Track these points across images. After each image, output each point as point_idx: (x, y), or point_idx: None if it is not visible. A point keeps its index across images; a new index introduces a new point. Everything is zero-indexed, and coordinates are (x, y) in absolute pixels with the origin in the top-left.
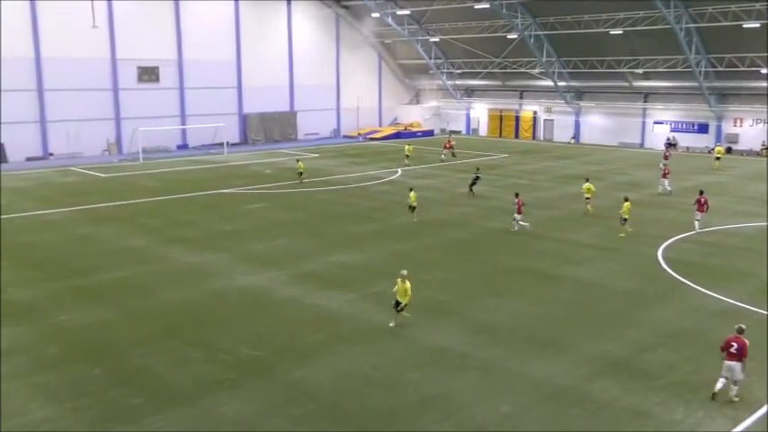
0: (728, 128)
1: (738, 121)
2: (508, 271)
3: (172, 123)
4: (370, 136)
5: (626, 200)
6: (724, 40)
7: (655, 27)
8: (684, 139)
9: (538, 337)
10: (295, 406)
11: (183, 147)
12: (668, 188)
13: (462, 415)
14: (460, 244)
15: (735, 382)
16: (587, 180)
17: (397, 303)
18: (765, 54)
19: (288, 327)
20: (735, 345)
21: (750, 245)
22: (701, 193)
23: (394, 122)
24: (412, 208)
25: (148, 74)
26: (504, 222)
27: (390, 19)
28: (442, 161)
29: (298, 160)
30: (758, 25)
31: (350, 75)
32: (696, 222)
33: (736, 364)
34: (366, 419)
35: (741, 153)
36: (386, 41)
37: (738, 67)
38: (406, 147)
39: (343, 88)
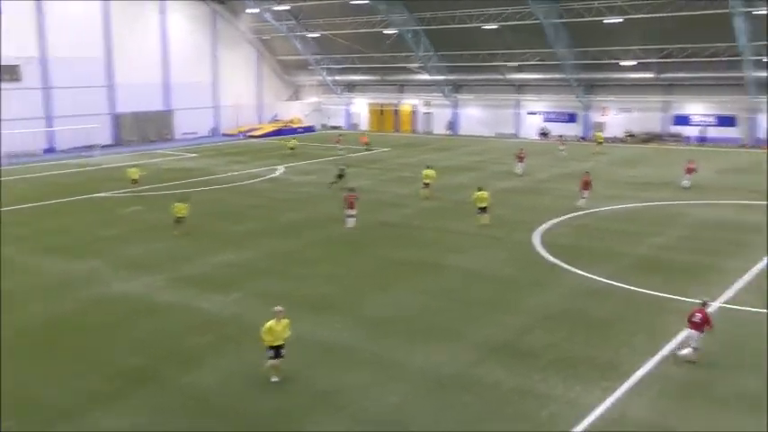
0: (595, 117)
1: (604, 111)
2: (393, 263)
3: (36, 125)
4: (251, 134)
5: (479, 189)
6: (589, 34)
7: (525, 22)
8: (556, 129)
9: (425, 326)
10: (187, 411)
11: (51, 150)
12: (518, 172)
13: (353, 409)
14: (345, 238)
15: (694, 349)
16: (428, 167)
17: (277, 350)
18: (626, 48)
19: (172, 331)
20: (698, 315)
21: (619, 226)
22: (587, 173)
23: (274, 119)
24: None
25: (9, 73)
26: (389, 215)
27: (268, 15)
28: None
29: (131, 167)
30: (621, 20)
31: (228, 72)
32: (582, 200)
33: (695, 333)
34: (258, 420)
35: (607, 140)
36: (264, 37)
37: (602, 59)
38: (291, 141)
39: (222, 86)
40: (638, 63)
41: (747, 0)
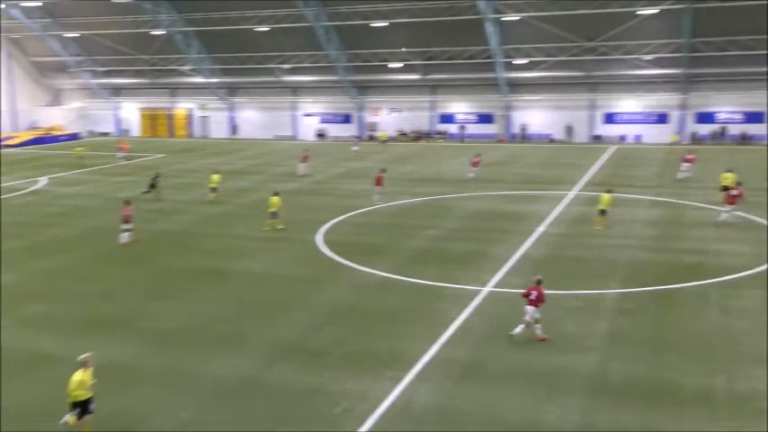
0: (369, 117)
1: (376, 111)
2: (177, 272)
3: None
4: (5, 143)
5: (276, 194)
6: (358, 37)
7: (297, 25)
8: (333, 130)
9: (214, 334)
10: None
11: None
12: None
13: (142, 428)
14: (123, 252)
15: (537, 321)
16: (215, 172)
17: (84, 406)
18: (394, 50)
19: None
20: (534, 293)
21: (397, 221)
22: (383, 171)
23: (33, 127)
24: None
25: None
26: (170, 224)
27: (16, 11)
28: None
29: None
30: (386, 24)
31: None
32: (376, 197)
33: (533, 309)
34: None
35: (356, 140)
36: (13, 36)
37: (372, 62)
38: (78, 149)
39: None
40: (405, 65)
41: (498, 5)
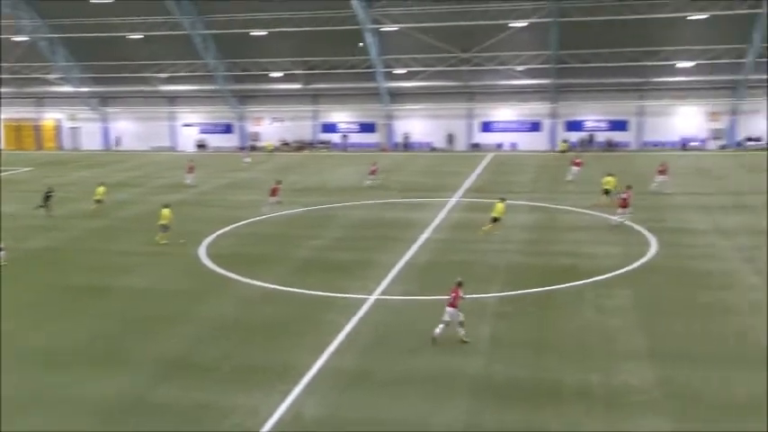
0: (251, 127)
1: (258, 121)
2: (58, 290)
3: None
4: None
5: (166, 206)
6: (238, 46)
7: (173, 33)
8: (214, 140)
9: (97, 353)
10: None
11: None
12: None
13: None
14: None
15: (461, 324)
16: (101, 184)
17: None
18: (274, 59)
19: None
20: (452, 294)
21: (283, 231)
22: (278, 182)
23: None
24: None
25: None
26: (47, 241)
27: None
28: None
29: None
30: (266, 33)
31: None
32: (266, 207)
33: (452, 310)
34: None
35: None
36: None
37: (252, 71)
38: None
39: None
40: (286, 74)
41: (376, 15)
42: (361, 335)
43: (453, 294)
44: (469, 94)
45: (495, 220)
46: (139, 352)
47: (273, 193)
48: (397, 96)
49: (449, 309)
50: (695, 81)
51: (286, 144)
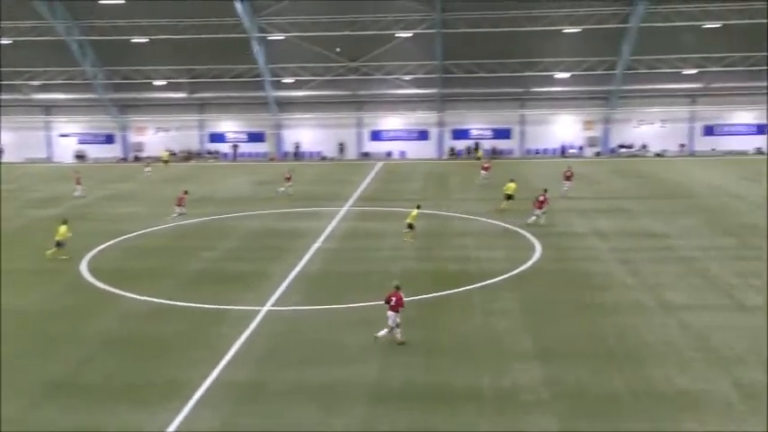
0: (134, 137)
1: (142, 131)
2: None
3: None
4: None
5: (64, 222)
6: (118, 53)
7: (46, 38)
8: (94, 151)
9: None
10: None
11: None
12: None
13: None
14: None
15: (397, 325)
16: None
17: None
18: (157, 67)
19: None
20: (393, 299)
21: (173, 243)
22: (185, 192)
23: None
24: None
25: None
26: None
27: None
28: None
29: None
30: (147, 40)
31: None
32: (171, 217)
33: (393, 314)
34: None
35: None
36: None
37: (134, 79)
38: None
39: None
40: (170, 83)
41: (263, 24)
42: (254, 347)
43: (394, 298)
44: (358, 104)
45: (410, 226)
46: (18, 375)
47: (179, 202)
48: (286, 105)
49: (390, 313)
50: (572, 91)
51: (172, 154)
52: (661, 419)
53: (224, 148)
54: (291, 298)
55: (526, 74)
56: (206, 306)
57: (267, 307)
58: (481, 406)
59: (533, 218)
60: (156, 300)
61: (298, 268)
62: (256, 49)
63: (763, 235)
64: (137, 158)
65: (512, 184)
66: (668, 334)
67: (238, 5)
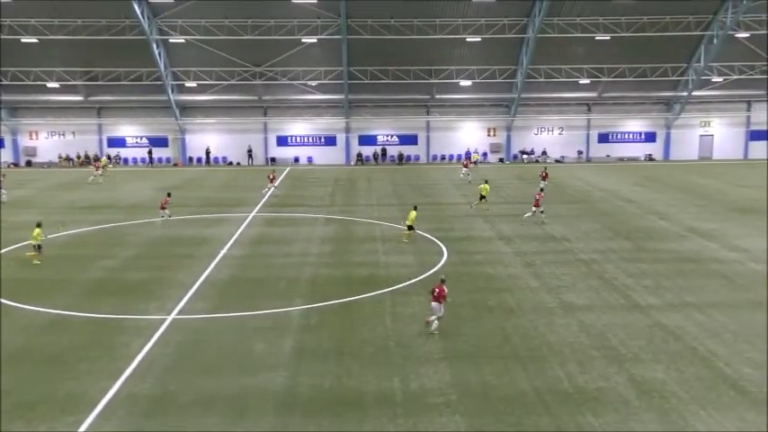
0: (26, 141)
1: (34, 135)
2: None
3: None
4: None
5: (38, 225)
6: (7, 54)
7: None
8: None
9: None
10: None
11: None
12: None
13: None
14: None
15: (438, 319)
16: None
17: None
18: (50, 69)
19: None
20: (437, 290)
21: (67, 253)
22: (168, 195)
23: None
24: None
25: None
26: None
27: None
28: None
29: None
30: (37, 40)
31: None
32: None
33: (437, 304)
34: None
35: (42, 165)
36: None
37: (25, 80)
38: None
39: None
40: (64, 85)
41: (163, 26)
42: (159, 357)
43: (438, 290)
44: (264, 109)
45: (410, 227)
46: None
47: (163, 205)
48: (190, 110)
49: (433, 304)
50: (475, 98)
51: (67, 159)
52: (562, 416)
53: (125, 152)
54: (198, 306)
55: (431, 81)
56: (107, 316)
57: (172, 316)
58: (391, 410)
59: (528, 214)
60: (53, 311)
61: (204, 276)
62: (156, 51)
63: (655, 238)
64: (29, 163)
65: (485, 185)
66: (569, 334)
67: (136, 6)
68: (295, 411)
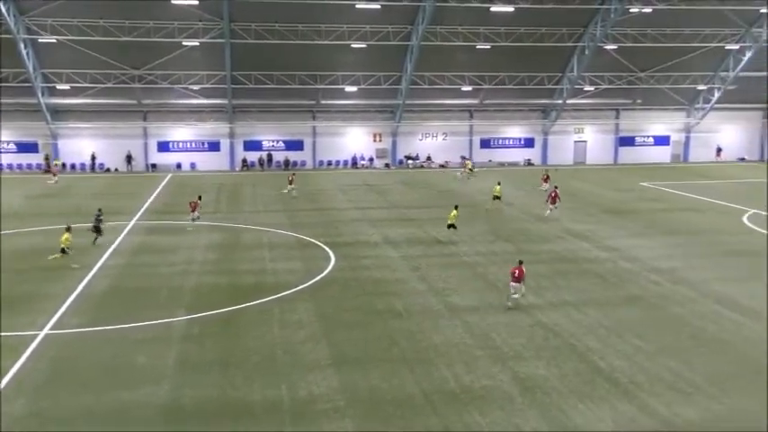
0: None
1: None
2: None
3: None
4: None
5: (68, 229)
6: None
7: None
8: None
9: None
10: None
11: None
12: None
13: None
14: None
15: (515, 292)
16: None
17: None
18: None
19: None
20: (516, 272)
21: None
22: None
23: None
24: None
25: None
26: None
27: None
28: None
29: None
30: None
31: None
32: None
33: (517, 284)
34: None
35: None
36: None
37: None
38: None
39: None
40: None
41: (31, 25)
42: (31, 375)
43: (517, 271)
44: (144, 113)
45: (453, 226)
46: None
47: (193, 208)
48: (63, 114)
49: (513, 284)
50: (361, 104)
51: (63, 165)
52: (450, 416)
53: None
54: (74, 320)
55: (317, 86)
56: None
57: (45, 331)
58: (279, 418)
59: (548, 211)
60: None
61: (80, 287)
62: (24, 51)
63: (534, 240)
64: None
65: (498, 187)
66: (455, 335)
67: (0, 4)
68: (179, 425)
